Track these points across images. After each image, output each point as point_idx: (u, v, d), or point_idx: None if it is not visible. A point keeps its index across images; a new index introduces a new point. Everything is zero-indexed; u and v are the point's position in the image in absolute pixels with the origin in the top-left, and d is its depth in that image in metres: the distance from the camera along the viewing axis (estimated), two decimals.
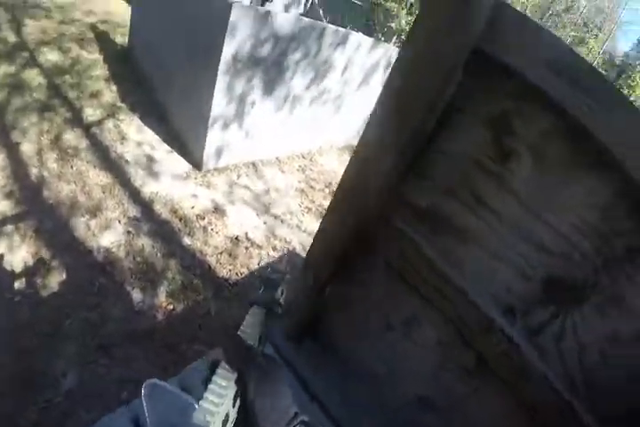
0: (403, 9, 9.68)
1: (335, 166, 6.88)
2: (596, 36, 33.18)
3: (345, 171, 1.32)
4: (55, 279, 3.56)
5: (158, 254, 4.10)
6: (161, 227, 4.43)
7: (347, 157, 7.08)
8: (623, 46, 39.11)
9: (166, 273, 3.94)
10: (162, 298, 3.69)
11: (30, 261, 3.65)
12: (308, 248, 1.61)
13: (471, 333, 1.20)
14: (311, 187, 6.10)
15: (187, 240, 4.36)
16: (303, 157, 6.76)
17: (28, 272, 3.56)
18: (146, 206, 4.62)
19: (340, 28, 5.99)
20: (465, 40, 0.95)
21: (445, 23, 0.97)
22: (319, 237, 1.50)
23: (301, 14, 10.34)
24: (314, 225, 5.19)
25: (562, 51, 0.88)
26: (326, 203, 4.95)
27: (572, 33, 31.05)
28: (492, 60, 0.96)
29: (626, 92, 30.36)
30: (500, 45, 0.94)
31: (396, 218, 1.26)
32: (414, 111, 1.07)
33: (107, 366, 3.05)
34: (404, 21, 9.29)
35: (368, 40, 6.58)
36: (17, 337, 3.04)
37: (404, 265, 1.29)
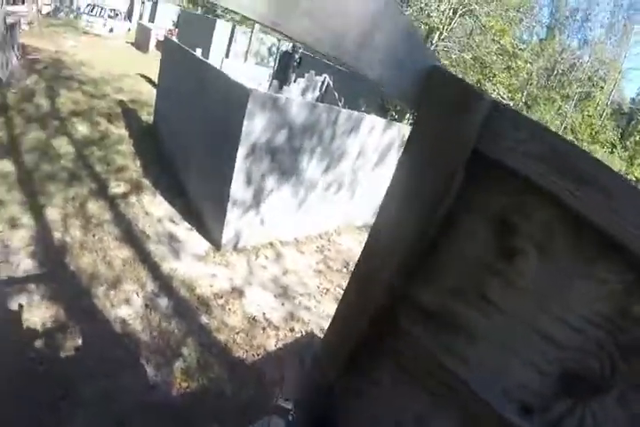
0: None
1: (353, 246, 7.44)
2: (602, 88, 35.57)
3: (356, 266, 1.41)
4: (71, 343, 3.90)
5: (175, 330, 4.43)
6: (178, 303, 4.82)
7: (364, 236, 7.67)
8: (630, 93, 41.30)
9: (182, 349, 4.24)
10: (177, 374, 3.96)
11: (48, 323, 4.02)
12: (324, 333, 1.71)
13: None
14: (329, 267, 6.58)
15: (204, 318, 4.71)
16: (321, 238, 7.36)
17: (46, 332, 3.92)
18: (164, 282, 5.06)
19: (354, 112, 6.87)
20: (464, 142, 1.04)
21: (445, 127, 1.07)
22: (331, 330, 1.57)
23: (317, 98, 11.65)
24: (332, 306, 5.53)
25: (554, 143, 0.98)
26: (344, 283, 5.38)
27: (578, 89, 33.46)
28: (490, 160, 1.04)
29: (638, 138, 31.64)
30: (496, 145, 1.03)
31: (403, 318, 1.32)
32: (419, 214, 1.16)
33: None
34: None
35: (381, 121, 7.44)
36: (28, 395, 3.30)
37: (412, 364, 1.35)
